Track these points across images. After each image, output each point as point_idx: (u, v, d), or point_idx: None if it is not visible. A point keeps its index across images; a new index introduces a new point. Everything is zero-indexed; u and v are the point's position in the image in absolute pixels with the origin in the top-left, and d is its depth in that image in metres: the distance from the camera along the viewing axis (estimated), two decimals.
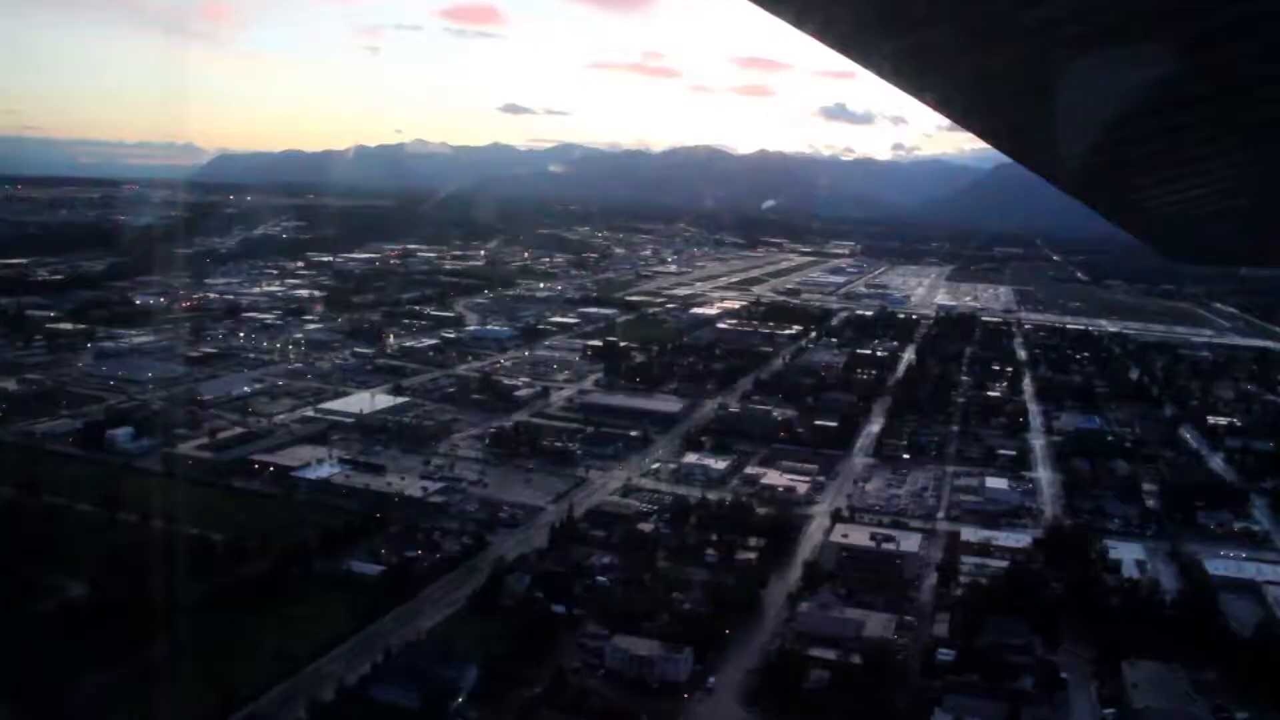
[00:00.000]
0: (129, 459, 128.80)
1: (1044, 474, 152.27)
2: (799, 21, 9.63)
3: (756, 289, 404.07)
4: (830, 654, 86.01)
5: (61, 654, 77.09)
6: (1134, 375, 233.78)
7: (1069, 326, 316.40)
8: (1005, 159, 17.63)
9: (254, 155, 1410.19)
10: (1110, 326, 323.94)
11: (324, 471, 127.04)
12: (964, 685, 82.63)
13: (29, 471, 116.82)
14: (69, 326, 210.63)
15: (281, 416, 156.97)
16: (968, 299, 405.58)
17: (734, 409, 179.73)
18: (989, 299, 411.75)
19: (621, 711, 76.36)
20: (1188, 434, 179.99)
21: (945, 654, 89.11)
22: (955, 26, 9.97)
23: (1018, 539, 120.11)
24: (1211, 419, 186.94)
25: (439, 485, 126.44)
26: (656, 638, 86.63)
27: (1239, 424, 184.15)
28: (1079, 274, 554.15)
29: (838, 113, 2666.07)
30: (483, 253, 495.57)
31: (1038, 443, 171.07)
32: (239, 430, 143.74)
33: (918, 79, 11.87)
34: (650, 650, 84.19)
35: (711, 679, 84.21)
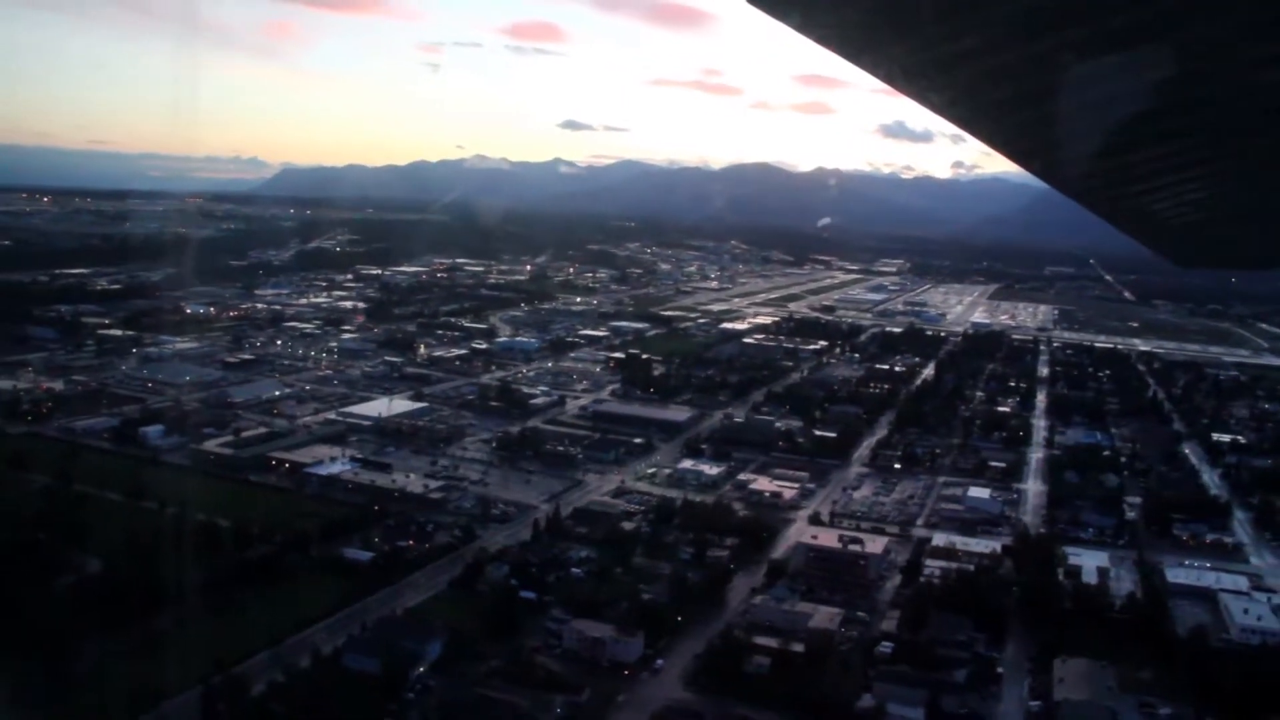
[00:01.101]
0: (157, 454, 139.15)
1: (1033, 485, 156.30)
2: (803, 27, 9.60)
3: (793, 305, 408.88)
4: (773, 642, 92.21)
5: (73, 621, 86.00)
6: (1152, 393, 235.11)
7: (1097, 345, 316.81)
8: None
9: (317, 170, 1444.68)
10: (1142, 345, 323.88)
11: (334, 469, 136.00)
12: (894, 674, 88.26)
13: (64, 463, 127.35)
14: (118, 333, 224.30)
15: (306, 419, 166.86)
16: (1004, 317, 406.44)
17: (738, 419, 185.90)
18: (1026, 317, 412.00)
19: (567, 684, 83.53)
20: (1190, 450, 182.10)
21: (886, 646, 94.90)
22: (957, 30, 9.94)
23: (987, 545, 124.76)
24: (1216, 436, 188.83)
25: (440, 483, 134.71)
26: (614, 623, 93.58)
27: (1243, 441, 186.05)
28: (1126, 294, 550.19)
29: (896, 130, 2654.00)
30: (529, 267, 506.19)
31: (1035, 456, 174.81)
32: (262, 430, 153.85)
33: (922, 84, 11.87)
34: (603, 633, 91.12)
35: (660, 661, 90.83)
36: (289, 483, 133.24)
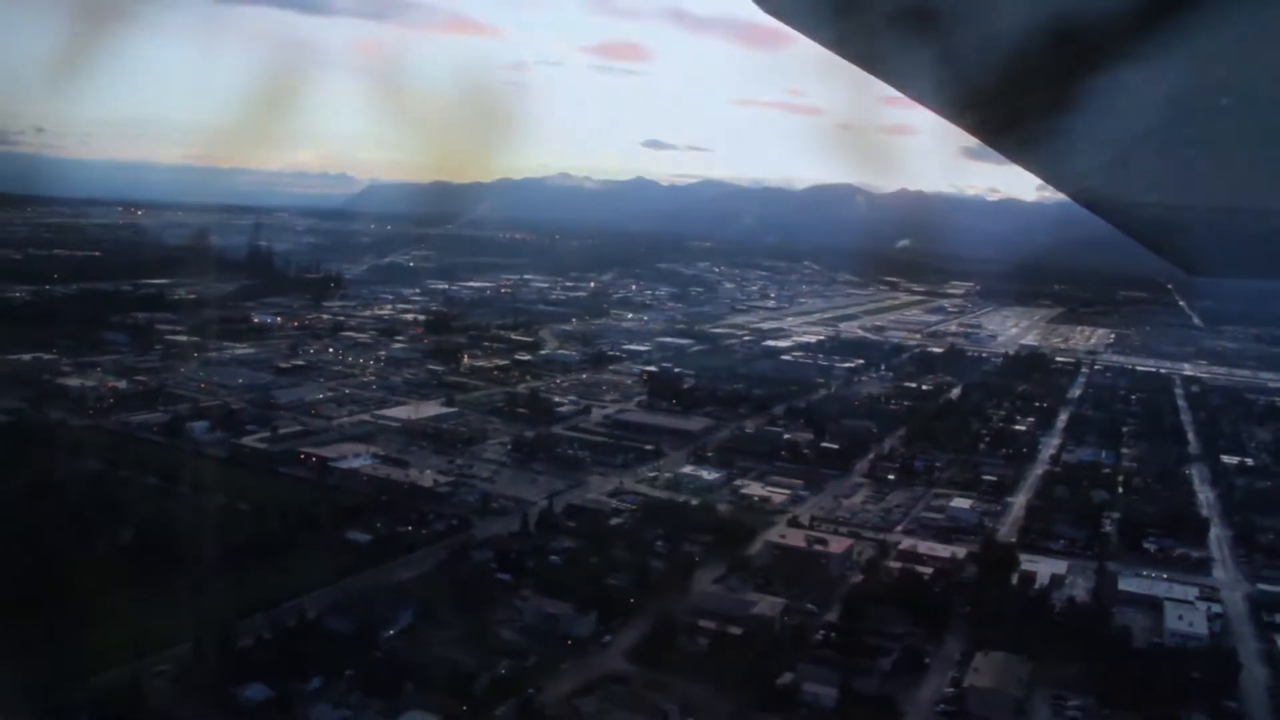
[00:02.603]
0: (200, 447, 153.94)
1: (1022, 499, 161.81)
2: (811, 32, 8.82)
3: (844, 325, 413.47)
4: (712, 625, 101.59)
5: (99, 580, 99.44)
6: (1178, 416, 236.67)
7: (1140, 369, 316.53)
8: None
9: (403, 186, 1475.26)
10: (1189, 370, 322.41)
11: (355, 463, 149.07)
12: (817, 657, 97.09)
13: (115, 452, 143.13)
14: (184, 339, 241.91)
15: (341, 419, 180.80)
16: (1057, 340, 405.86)
17: (749, 430, 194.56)
18: (1079, 341, 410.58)
19: (516, 651, 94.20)
20: (1196, 471, 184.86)
21: (820, 635, 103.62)
22: (962, 30, 9.00)
23: (953, 551, 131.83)
24: (1226, 458, 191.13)
25: (449, 479, 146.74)
26: (573, 603, 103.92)
27: (1251, 464, 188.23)
28: (1196, 319, 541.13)
29: (981, 153, 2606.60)
30: (592, 284, 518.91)
31: (1036, 472, 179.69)
32: (297, 428, 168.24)
33: (938, 92, 10.89)
34: (559, 610, 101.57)
35: (609, 637, 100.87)
36: (313, 474, 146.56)
